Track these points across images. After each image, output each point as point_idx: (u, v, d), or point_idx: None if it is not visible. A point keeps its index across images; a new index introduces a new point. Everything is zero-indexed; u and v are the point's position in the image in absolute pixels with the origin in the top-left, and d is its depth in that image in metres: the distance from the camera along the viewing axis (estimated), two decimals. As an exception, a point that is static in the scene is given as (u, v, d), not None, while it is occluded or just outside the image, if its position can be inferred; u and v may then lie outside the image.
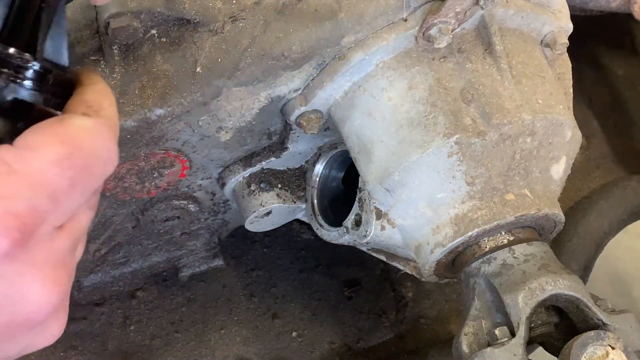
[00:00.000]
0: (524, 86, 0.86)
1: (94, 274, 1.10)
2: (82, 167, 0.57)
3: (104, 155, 0.59)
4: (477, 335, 0.84)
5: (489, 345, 0.81)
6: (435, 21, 0.82)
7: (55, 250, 0.57)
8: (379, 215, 0.89)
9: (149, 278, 1.17)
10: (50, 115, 0.60)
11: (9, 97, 0.58)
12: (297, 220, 1.06)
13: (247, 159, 0.97)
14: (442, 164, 0.84)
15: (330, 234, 0.97)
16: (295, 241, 1.26)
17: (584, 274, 1.21)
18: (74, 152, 0.56)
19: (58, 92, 0.61)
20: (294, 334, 1.18)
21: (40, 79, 0.59)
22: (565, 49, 0.93)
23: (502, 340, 0.80)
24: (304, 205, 1.01)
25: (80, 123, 0.58)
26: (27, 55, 0.58)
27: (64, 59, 0.62)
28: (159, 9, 0.84)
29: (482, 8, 0.83)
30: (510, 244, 0.87)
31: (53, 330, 0.60)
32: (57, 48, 0.61)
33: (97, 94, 0.62)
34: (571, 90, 0.98)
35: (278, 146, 0.96)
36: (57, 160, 0.55)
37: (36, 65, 0.59)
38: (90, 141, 0.58)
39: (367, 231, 0.90)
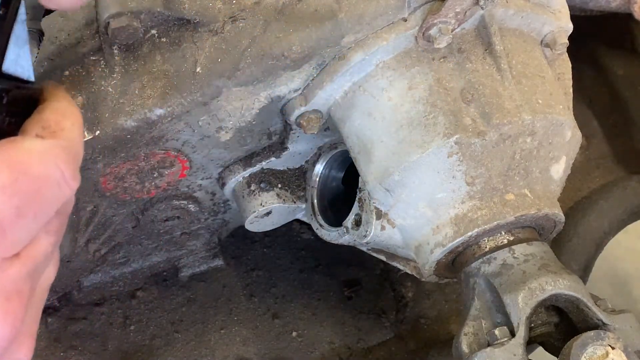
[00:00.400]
0: (524, 86, 0.86)
1: (94, 274, 1.10)
2: (30, 193, 0.54)
3: (57, 178, 0.55)
4: (477, 335, 0.84)
5: (489, 345, 0.81)
6: (435, 21, 0.82)
7: (7, 281, 0.54)
8: (379, 215, 0.89)
9: (149, 278, 1.17)
10: (8, 136, 0.56)
11: None
12: (297, 220, 1.06)
13: (247, 159, 0.97)
14: (442, 164, 0.84)
15: (330, 234, 0.97)
16: (295, 241, 1.26)
17: (584, 274, 1.21)
18: (19, 178, 0.53)
19: (16, 111, 0.58)
20: (294, 334, 1.18)
21: None
22: (565, 49, 0.93)
23: (502, 340, 0.80)
24: (304, 205, 1.01)
25: (30, 146, 0.55)
26: None
27: (28, 73, 0.59)
28: (159, 9, 0.84)
29: (482, 8, 0.83)
30: (510, 244, 0.87)
31: None
32: (20, 62, 0.58)
33: (57, 113, 0.59)
34: (571, 90, 0.98)
35: (278, 146, 0.96)
36: (0, 188, 0.52)
37: None
38: (39, 165, 0.54)
39: (367, 231, 0.90)
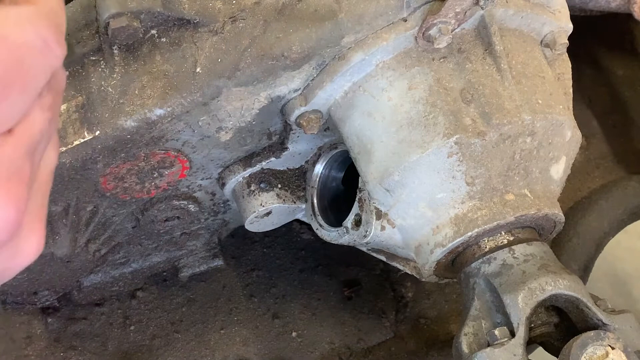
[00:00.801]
0: (523, 86, 0.86)
1: (94, 274, 1.10)
2: (11, 64, 0.50)
3: (40, 46, 0.52)
4: (477, 335, 0.84)
5: (489, 345, 0.81)
6: (435, 21, 0.82)
7: (4, 159, 0.51)
8: (379, 215, 0.89)
9: (149, 278, 1.17)
10: None
11: None
12: (297, 220, 1.06)
13: (247, 159, 0.97)
14: (442, 164, 0.84)
15: (330, 234, 0.97)
16: (295, 241, 1.26)
17: (584, 274, 1.21)
18: None
19: None
20: (294, 334, 1.18)
21: None
22: (565, 49, 0.93)
23: (502, 341, 0.80)
24: (304, 205, 1.01)
25: (3, 13, 0.51)
26: None
27: None
28: (159, 9, 0.84)
29: (482, 8, 0.83)
30: (510, 244, 0.87)
31: (28, 247, 0.54)
32: None
33: None
34: (571, 90, 0.98)
35: (278, 146, 0.96)
36: None
37: None
38: (17, 32, 0.51)
39: (367, 231, 0.90)
